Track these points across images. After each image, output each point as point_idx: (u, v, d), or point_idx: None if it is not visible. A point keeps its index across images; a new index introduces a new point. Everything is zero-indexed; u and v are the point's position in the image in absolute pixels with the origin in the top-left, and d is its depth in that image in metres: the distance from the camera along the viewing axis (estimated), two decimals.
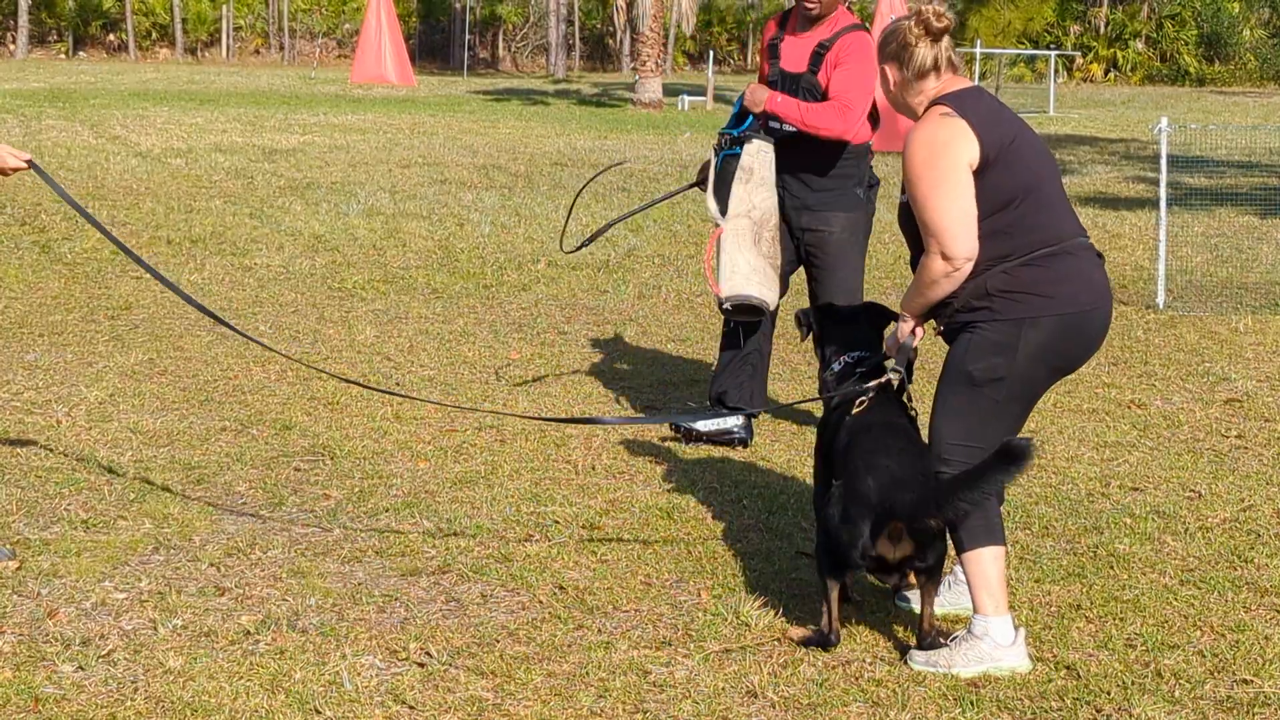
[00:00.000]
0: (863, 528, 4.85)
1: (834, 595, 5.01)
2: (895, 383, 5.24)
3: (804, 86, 7.20)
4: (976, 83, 5.13)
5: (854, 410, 5.19)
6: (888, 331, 5.39)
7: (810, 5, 7.23)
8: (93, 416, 7.65)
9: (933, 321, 5.03)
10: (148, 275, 11.39)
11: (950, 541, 4.93)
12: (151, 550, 5.82)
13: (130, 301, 10.55)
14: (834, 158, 7.28)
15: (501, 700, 4.64)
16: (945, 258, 4.77)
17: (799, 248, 7.45)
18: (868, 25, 8.01)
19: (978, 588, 4.86)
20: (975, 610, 4.87)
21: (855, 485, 4.92)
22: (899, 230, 5.17)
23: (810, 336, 5.68)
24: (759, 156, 7.12)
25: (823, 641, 5.03)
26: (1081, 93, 46.37)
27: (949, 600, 5.31)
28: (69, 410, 7.74)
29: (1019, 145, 4.84)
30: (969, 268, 4.79)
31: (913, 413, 5.27)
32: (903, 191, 4.95)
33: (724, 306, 7.20)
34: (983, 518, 4.84)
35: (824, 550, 5.04)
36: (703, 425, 7.45)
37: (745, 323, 7.39)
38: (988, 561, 4.85)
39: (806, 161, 7.26)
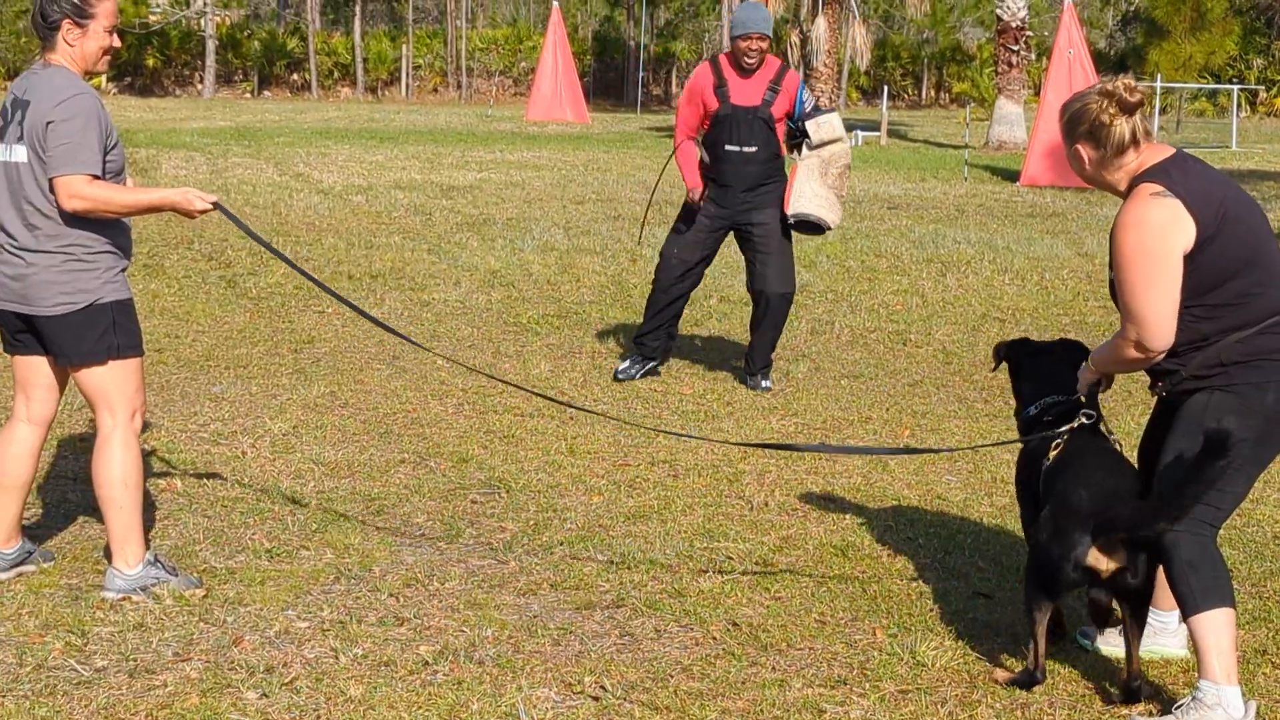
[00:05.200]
0: (1076, 538, 4.78)
1: (1041, 628, 4.95)
2: (1089, 424, 5.18)
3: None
4: (1169, 144, 4.93)
5: (1051, 454, 5.14)
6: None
7: None
8: (276, 448, 7.82)
9: (1150, 382, 4.93)
10: (330, 309, 11.65)
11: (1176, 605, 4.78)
12: (333, 580, 5.92)
13: (313, 335, 10.77)
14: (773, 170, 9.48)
15: None
16: (1140, 347, 4.70)
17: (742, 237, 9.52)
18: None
19: (1207, 651, 4.60)
20: (1204, 676, 4.62)
21: (1069, 499, 4.88)
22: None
23: (1008, 370, 5.67)
24: (823, 125, 9.35)
25: (1028, 680, 4.98)
26: (1265, 127, 45.37)
27: (1145, 643, 5.18)
28: (254, 442, 7.92)
29: (1233, 214, 4.66)
30: (1162, 356, 4.71)
31: (1114, 440, 5.20)
32: (1110, 267, 4.81)
33: (790, 221, 9.31)
34: (1213, 577, 4.64)
35: (1033, 572, 4.99)
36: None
37: (807, 233, 9.50)
38: (1220, 624, 4.61)
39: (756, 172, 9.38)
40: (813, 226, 9.32)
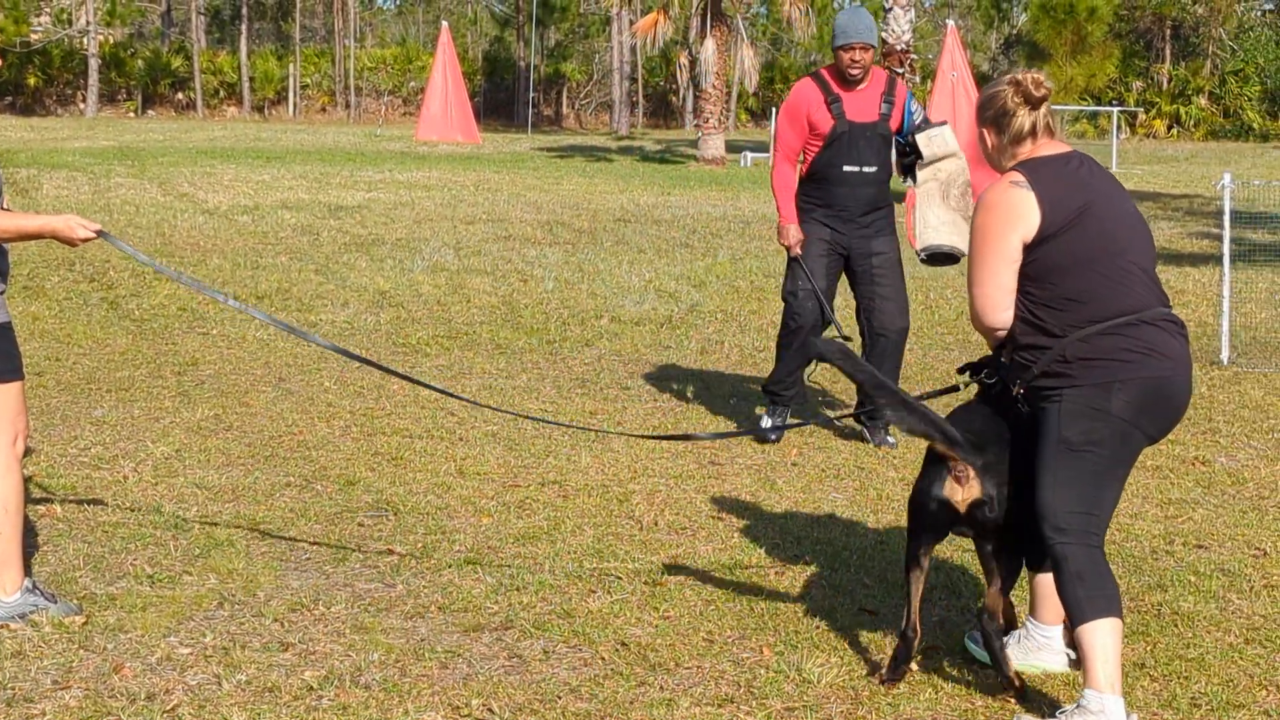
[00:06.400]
0: (935, 472, 4.99)
1: (916, 587, 5.10)
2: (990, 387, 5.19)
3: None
4: (1071, 148, 5.06)
5: None
6: None
7: None
8: (159, 472, 7.72)
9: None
10: (215, 330, 11.53)
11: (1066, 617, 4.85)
12: (216, 605, 5.86)
13: (197, 358, 10.66)
14: (887, 192, 8.81)
15: None
16: (976, 318, 4.99)
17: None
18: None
19: (1093, 660, 4.66)
20: (1089, 684, 4.67)
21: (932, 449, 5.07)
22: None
23: None
24: (935, 138, 8.40)
25: (904, 651, 5.12)
26: (1144, 149, 46.19)
27: (1017, 657, 5.24)
28: (135, 466, 7.82)
29: (1092, 215, 4.80)
30: (1000, 334, 4.93)
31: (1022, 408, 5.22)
32: None
33: (921, 257, 8.34)
34: (1100, 587, 4.71)
35: (909, 517, 5.17)
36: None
37: (940, 264, 8.48)
38: (1105, 634, 4.66)
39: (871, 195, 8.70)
40: (946, 257, 8.31)
